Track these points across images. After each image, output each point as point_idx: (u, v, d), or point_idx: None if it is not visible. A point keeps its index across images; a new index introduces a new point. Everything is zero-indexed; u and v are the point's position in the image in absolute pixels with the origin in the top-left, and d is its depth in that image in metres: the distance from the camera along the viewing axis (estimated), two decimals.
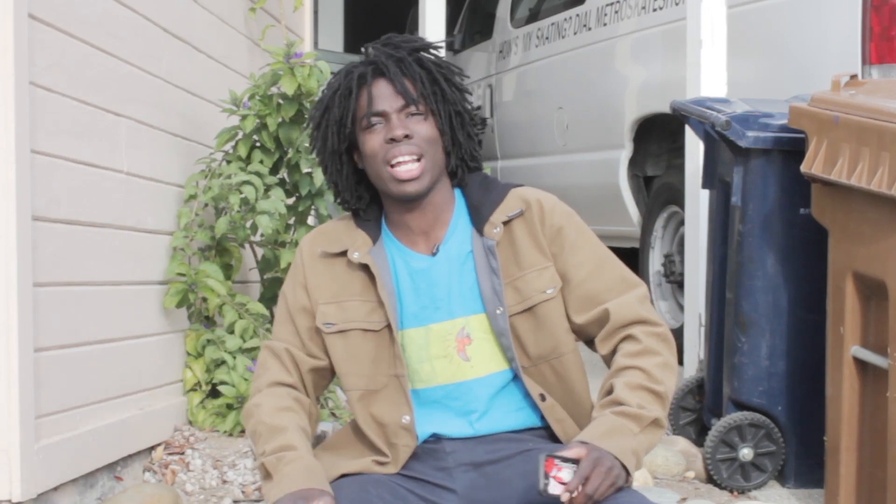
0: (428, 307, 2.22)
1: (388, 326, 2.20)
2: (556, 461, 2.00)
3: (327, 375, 2.30)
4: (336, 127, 2.20)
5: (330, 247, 2.25)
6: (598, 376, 2.22)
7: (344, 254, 2.24)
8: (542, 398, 2.22)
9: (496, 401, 2.22)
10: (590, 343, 2.25)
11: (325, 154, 2.25)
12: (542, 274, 2.20)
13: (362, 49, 2.25)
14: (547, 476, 1.99)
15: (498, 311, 2.19)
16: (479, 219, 2.23)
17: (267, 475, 2.11)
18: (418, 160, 2.15)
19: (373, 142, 2.17)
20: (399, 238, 2.25)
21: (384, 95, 2.17)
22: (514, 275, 2.20)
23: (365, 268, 2.22)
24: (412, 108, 2.17)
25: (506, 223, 2.21)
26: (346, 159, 2.24)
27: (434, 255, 2.23)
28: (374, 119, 2.17)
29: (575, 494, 1.94)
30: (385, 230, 2.26)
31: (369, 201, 2.27)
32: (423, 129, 2.17)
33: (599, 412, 2.09)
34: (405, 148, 2.15)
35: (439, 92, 2.20)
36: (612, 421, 2.05)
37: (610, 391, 2.11)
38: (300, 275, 2.27)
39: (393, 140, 2.14)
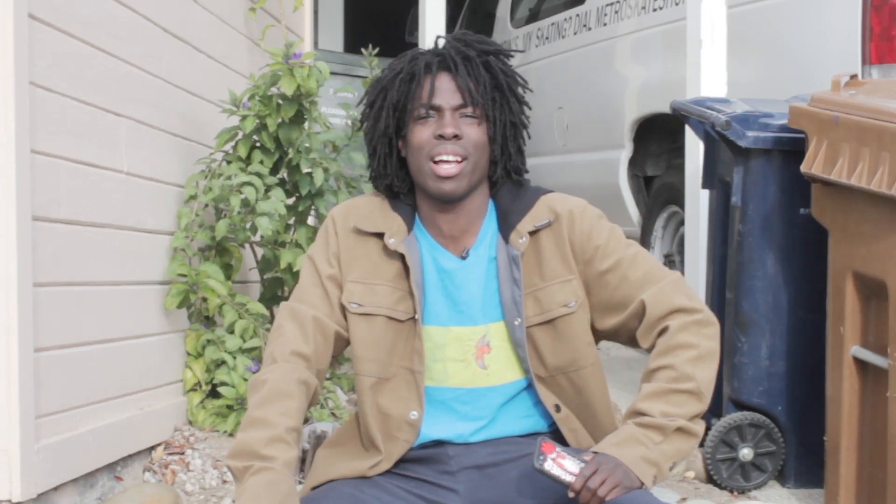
0: (451, 308, 2.20)
1: (413, 319, 2.18)
2: (558, 448, 2.00)
3: (342, 347, 2.25)
4: (391, 109, 2.18)
5: (365, 225, 2.21)
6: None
7: (378, 236, 2.21)
8: (557, 409, 2.20)
9: (506, 407, 2.21)
10: (632, 342, 2.21)
11: (374, 134, 2.22)
12: (565, 287, 2.18)
13: (436, 39, 2.24)
14: (545, 455, 1.98)
15: (516, 322, 2.17)
16: (506, 226, 2.21)
17: (235, 477, 2.07)
18: (461, 161, 2.14)
19: (422, 134, 2.15)
20: (431, 234, 2.22)
21: (444, 90, 2.15)
22: (536, 285, 2.18)
23: (398, 255, 2.19)
24: (468, 110, 2.15)
25: (532, 233, 2.19)
26: (395, 143, 2.21)
27: (464, 258, 2.21)
28: (429, 111, 2.15)
29: (578, 484, 1.94)
30: (417, 223, 2.23)
31: (407, 190, 2.24)
32: (474, 132, 2.15)
33: (622, 423, 2.08)
34: (451, 147, 2.13)
35: (500, 99, 2.19)
36: (630, 431, 2.04)
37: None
38: (333, 244, 2.22)
39: (442, 137, 2.13)
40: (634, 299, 2.16)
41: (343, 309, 2.20)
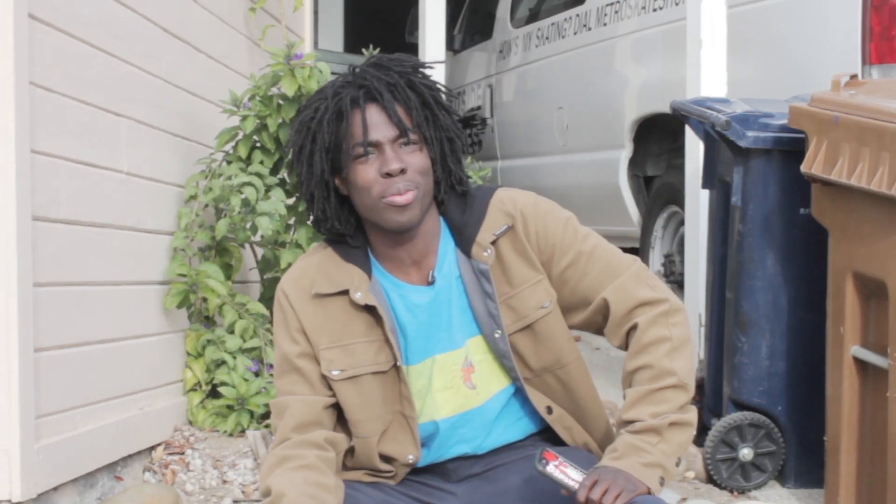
0: (431, 339, 2.15)
1: (395, 367, 2.14)
2: (560, 458, 2.01)
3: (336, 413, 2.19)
4: (325, 153, 2.10)
5: (324, 287, 2.13)
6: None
7: (342, 293, 2.13)
8: (549, 411, 2.19)
9: (498, 419, 2.20)
10: (600, 333, 2.21)
11: (311, 182, 2.13)
12: (536, 289, 2.15)
13: (351, 69, 2.14)
14: (546, 461, 1.99)
15: (496, 335, 2.14)
16: (463, 240, 2.15)
17: None
18: (413, 190, 2.07)
19: (366, 174, 2.06)
20: (390, 270, 2.16)
21: (378, 123, 2.06)
22: (507, 293, 2.14)
23: (366, 307, 2.12)
24: (406, 138, 2.07)
25: (493, 242, 2.14)
26: (333, 185, 2.13)
27: (431, 283, 2.15)
28: (368, 149, 2.07)
29: (582, 495, 1.93)
30: (374, 263, 2.16)
31: (353, 231, 2.16)
32: (417, 160, 2.08)
33: (618, 431, 2.08)
34: (401, 184, 2.05)
35: (432, 118, 2.11)
36: (626, 441, 2.03)
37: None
38: (293, 320, 2.14)
39: (388, 174, 2.05)
40: (596, 296, 2.14)
41: (325, 379, 2.14)
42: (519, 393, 2.20)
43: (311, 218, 2.18)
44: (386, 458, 2.17)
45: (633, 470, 1.98)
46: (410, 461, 2.16)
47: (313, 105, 2.12)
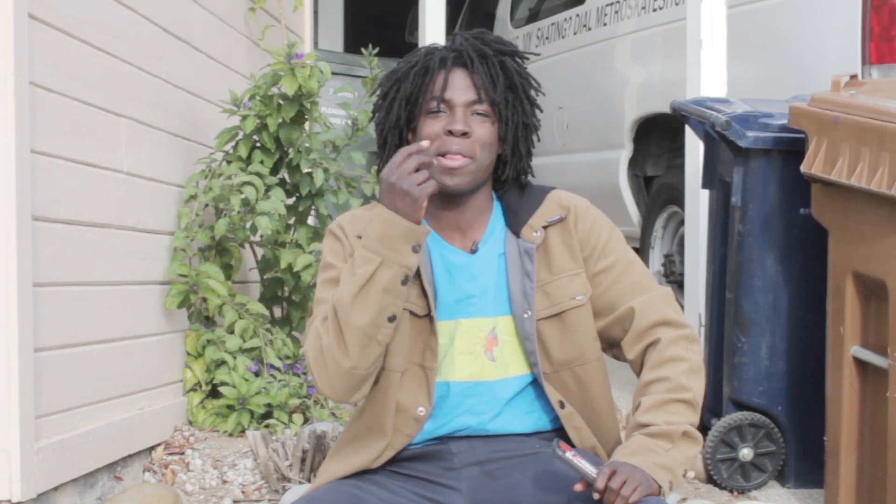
0: (462, 301, 2.19)
1: (429, 316, 2.17)
2: (575, 449, 2.02)
3: None
4: (404, 101, 2.17)
5: None
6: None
7: None
8: (562, 405, 2.20)
9: (510, 403, 2.21)
10: (612, 347, 2.24)
11: (385, 125, 2.21)
12: (574, 280, 2.20)
13: (450, 35, 2.21)
14: (562, 450, 2.00)
15: (526, 315, 2.18)
16: (515, 221, 2.22)
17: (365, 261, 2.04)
18: (467, 158, 2.13)
19: (432, 127, 2.14)
20: (436, 230, 2.22)
21: (458, 85, 2.14)
22: (545, 279, 2.20)
23: None
24: (480, 107, 2.14)
25: (545, 227, 2.21)
26: (405, 136, 2.20)
27: (473, 252, 2.21)
28: (441, 105, 2.14)
29: (601, 483, 1.94)
30: (423, 222, 2.19)
31: None
32: (483, 130, 2.14)
33: (629, 435, 2.09)
34: (457, 146, 2.12)
35: (513, 100, 2.18)
36: (640, 441, 2.06)
37: (637, 407, 2.11)
38: (348, 247, 2.19)
39: (451, 133, 2.12)
40: (623, 304, 2.19)
41: None
42: (534, 385, 2.21)
43: (379, 165, 2.25)
44: (399, 410, 2.17)
45: (648, 468, 2.00)
46: (420, 413, 2.16)
47: (407, 58, 2.21)
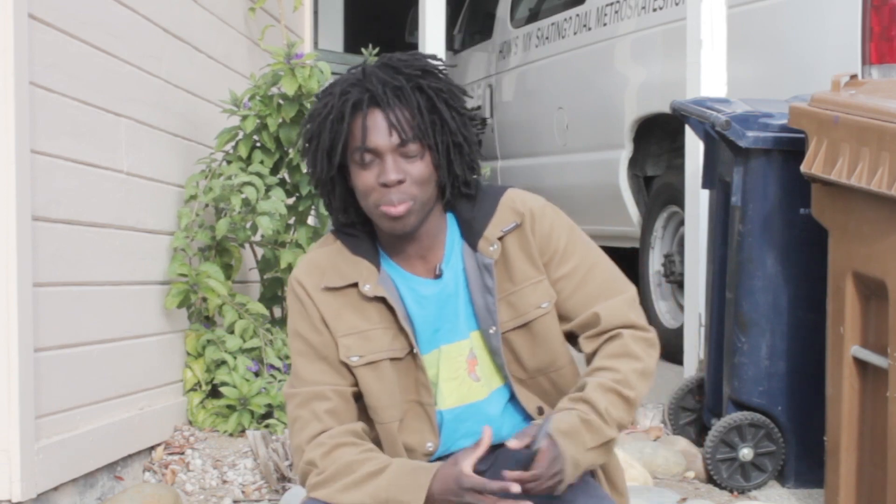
0: (440, 329, 2.16)
1: (412, 354, 2.14)
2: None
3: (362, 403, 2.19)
4: (326, 154, 2.09)
5: (334, 281, 2.14)
6: None
7: (350, 286, 2.14)
8: (540, 411, 2.19)
9: (504, 414, 2.20)
10: (572, 338, 2.21)
11: (315, 176, 2.14)
12: (537, 288, 2.15)
13: (355, 68, 2.11)
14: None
15: (491, 331, 2.15)
16: (470, 234, 2.15)
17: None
18: (408, 201, 2.06)
19: (364, 179, 2.05)
20: (398, 262, 2.16)
21: (379, 130, 2.04)
22: (508, 290, 2.15)
23: (377, 298, 2.13)
24: (407, 148, 2.05)
25: (501, 238, 2.15)
26: (339, 179, 2.12)
27: (438, 276, 2.16)
28: (367, 156, 2.05)
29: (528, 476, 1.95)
30: (383, 255, 2.17)
31: (364, 219, 2.16)
32: (417, 170, 2.05)
33: (568, 404, 2.06)
34: (396, 196, 2.04)
35: (439, 122, 2.07)
36: (575, 423, 2.02)
37: (583, 388, 2.08)
38: (312, 311, 2.14)
39: (385, 185, 2.04)
40: (586, 311, 2.15)
41: (347, 366, 2.14)
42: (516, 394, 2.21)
43: (327, 209, 2.20)
44: (405, 449, 2.16)
45: (571, 463, 1.98)
46: (429, 449, 2.16)
47: (322, 102, 2.12)
